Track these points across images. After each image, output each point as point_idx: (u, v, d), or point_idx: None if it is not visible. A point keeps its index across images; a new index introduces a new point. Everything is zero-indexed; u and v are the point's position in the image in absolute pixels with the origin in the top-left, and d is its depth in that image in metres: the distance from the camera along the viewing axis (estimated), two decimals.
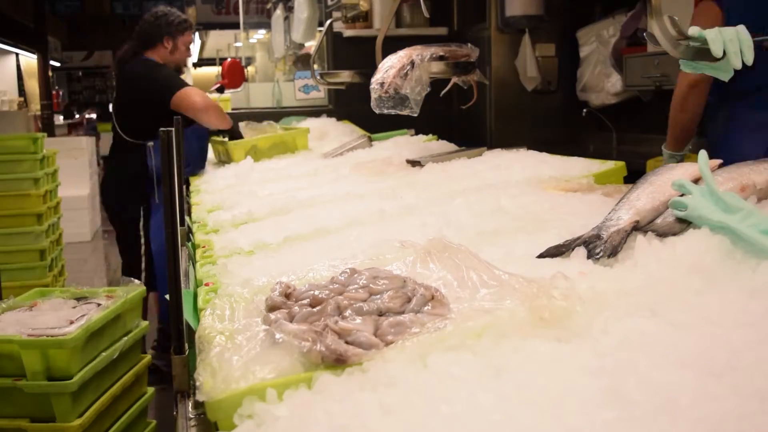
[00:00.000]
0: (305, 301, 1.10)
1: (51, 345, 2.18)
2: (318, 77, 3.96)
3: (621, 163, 2.33)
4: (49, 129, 12.40)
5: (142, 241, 3.90)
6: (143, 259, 3.90)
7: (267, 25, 8.41)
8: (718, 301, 1.05)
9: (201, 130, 3.70)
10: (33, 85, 14.90)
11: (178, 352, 1.13)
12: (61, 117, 15.85)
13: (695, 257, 1.21)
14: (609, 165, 2.32)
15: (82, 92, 21.31)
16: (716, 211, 1.28)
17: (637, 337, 0.94)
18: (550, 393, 0.82)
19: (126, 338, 2.49)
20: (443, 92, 3.02)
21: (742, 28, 1.62)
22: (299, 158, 3.47)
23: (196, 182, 3.08)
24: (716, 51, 1.58)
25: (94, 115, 17.53)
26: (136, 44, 3.93)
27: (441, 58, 2.76)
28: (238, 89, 5.75)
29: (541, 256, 1.36)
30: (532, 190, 1.98)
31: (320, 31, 5.25)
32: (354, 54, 4.60)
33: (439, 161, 2.71)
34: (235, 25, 11.07)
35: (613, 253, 1.29)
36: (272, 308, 1.10)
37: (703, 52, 1.63)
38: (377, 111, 2.63)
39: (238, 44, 11.31)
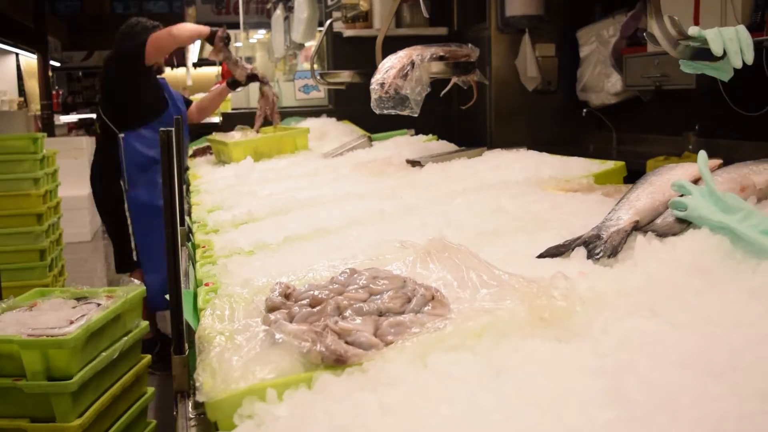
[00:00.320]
0: (305, 302, 1.10)
1: (51, 345, 2.18)
2: (318, 77, 3.95)
3: (621, 163, 2.33)
4: (49, 129, 12.41)
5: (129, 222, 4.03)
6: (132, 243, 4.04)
7: (267, 25, 8.41)
8: (718, 301, 1.05)
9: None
10: (33, 85, 14.90)
11: (178, 352, 1.13)
12: (61, 117, 15.84)
13: (695, 257, 1.20)
14: (609, 165, 2.32)
15: (82, 92, 21.29)
16: (716, 211, 1.28)
17: (637, 337, 0.94)
18: (550, 393, 0.82)
19: (126, 338, 2.49)
20: (443, 92, 3.02)
21: (741, 28, 1.61)
22: (299, 158, 3.47)
23: (195, 182, 3.08)
24: (716, 50, 1.57)
25: (94, 115, 17.52)
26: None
27: (441, 58, 2.76)
28: (238, 89, 5.74)
29: (541, 256, 1.36)
30: (532, 190, 1.98)
31: (320, 31, 5.25)
32: (354, 54, 4.59)
33: (439, 161, 2.71)
34: (235, 25, 11.07)
35: (613, 253, 1.29)
36: (272, 309, 1.10)
37: (703, 52, 1.63)
38: (377, 111, 2.63)
39: (238, 44, 11.30)
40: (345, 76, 3.74)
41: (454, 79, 2.93)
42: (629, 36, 3.82)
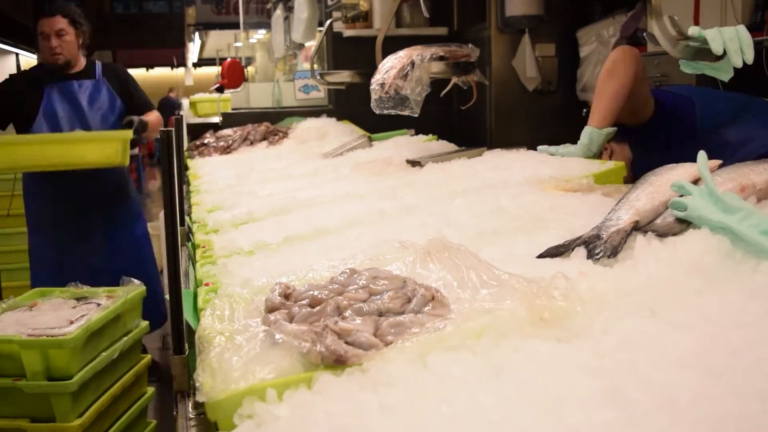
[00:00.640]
0: (305, 302, 1.10)
1: (51, 345, 2.18)
2: (318, 77, 3.95)
3: (621, 163, 2.33)
4: None
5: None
6: None
7: (267, 25, 8.41)
8: (718, 301, 1.04)
9: None
10: None
11: (178, 352, 1.13)
12: None
13: (695, 257, 1.20)
14: (609, 165, 2.31)
15: None
16: (716, 211, 1.28)
17: (637, 337, 0.94)
18: (550, 393, 0.82)
19: (126, 338, 2.49)
20: (443, 92, 3.02)
21: (741, 28, 1.62)
22: (299, 158, 3.47)
23: (195, 182, 3.08)
24: (716, 49, 1.57)
25: None
26: None
27: (441, 58, 2.76)
28: (238, 89, 5.75)
29: (541, 256, 1.36)
30: (532, 190, 1.98)
31: (320, 31, 5.25)
32: (354, 54, 4.60)
33: (439, 161, 2.71)
34: (235, 25, 11.08)
35: (613, 253, 1.29)
36: (272, 309, 1.10)
37: (703, 52, 1.63)
38: (377, 111, 2.63)
39: (238, 44, 11.31)
40: (345, 76, 3.74)
41: (454, 79, 2.93)
42: (629, 36, 3.81)
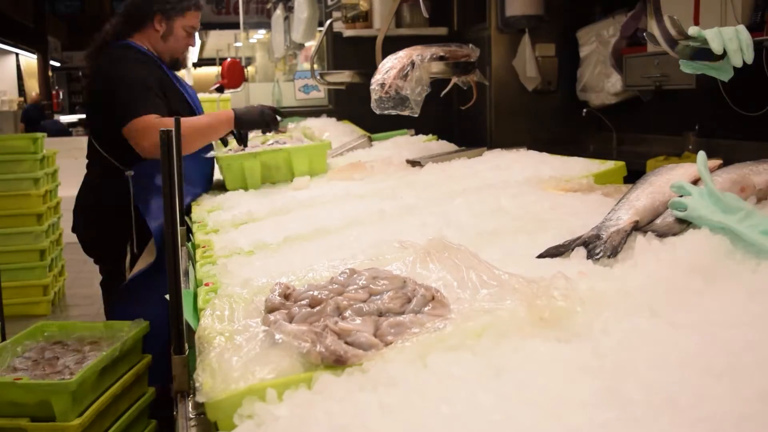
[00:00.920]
0: (305, 302, 1.10)
1: None
2: (318, 77, 3.96)
3: (621, 163, 2.33)
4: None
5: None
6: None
7: (267, 25, 8.42)
8: (718, 301, 1.05)
9: (208, 149, 2.88)
10: (33, 85, 14.91)
11: (178, 352, 1.13)
12: (61, 117, 15.85)
13: (695, 257, 1.20)
14: (609, 165, 2.32)
15: (82, 92, 21.32)
16: (716, 211, 1.28)
17: (637, 337, 0.94)
18: (550, 393, 0.82)
19: (126, 338, 2.49)
20: (444, 92, 3.02)
21: (741, 28, 1.61)
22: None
23: None
24: (716, 48, 1.57)
25: None
26: (121, 22, 2.96)
27: (441, 58, 2.76)
28: (238, 89, 5.76)
29: (541, 256, 1.36)
30: (532, 190, 1.98)
31: (320, 31, 5.25)
32: (354, 54, 4.60)
33: (439, 161, 2.71)
34: (235, 25, 11.09)
35: (613, 253, 1.29)
36: (272, 309, 1.10)
37: (703, 52, 1.63)
38: (377, 112, 2.63)
39: (238, 44, 11.32)
40: (345, 76, 3.75)
41: (454, 80, 2.93)
42: (629, 36, 3.82)
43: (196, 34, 3.18)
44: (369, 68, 2.95)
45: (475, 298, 1.08)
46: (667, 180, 1.48)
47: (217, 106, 5.24)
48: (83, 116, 16.74)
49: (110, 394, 2.39)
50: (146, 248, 2.76)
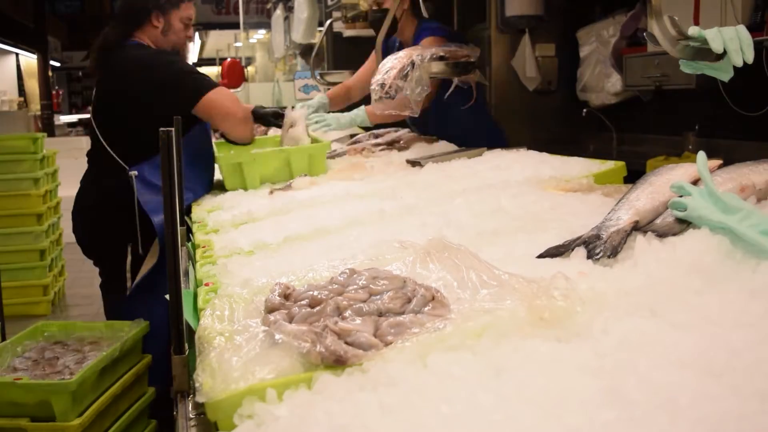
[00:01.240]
0: (304, 302, 1.10)
1: None
2: (318, 77, 3.96)
3: (621, 163, 2.33)
4: (49, 129, 12.42)
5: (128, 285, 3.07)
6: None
7: (267, 25, 8.41)
8: (718, 301, 1.05)
9: (208, 150, 2.96)
10: (33, 85, 14.91)
11: (177, 352, 1.13)
12: (61, 117, 15.86)
13: (695, 257, 1.20)
14: (609, 165, 2.32)
15: (82, 92, 21.28)
16: (716, 211, 1.28)
17: (637, 337, 0.94)
18: (550, 393, 0.82)
19: (126, 338, 2.49)
20: (447, 95, 3.02)
21: (741, 28, 1.61)
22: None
23: None
24: (716, 48, 1.57)
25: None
26: (121, 24, 2.97)
27: (441, 58, 2.76)
28: (238, 89, 5.76)
29: (541, 256, 1.36)
30: (532, 190, 1.98)
31: (320, 31, 5.25)
32: (354, 54, 4.60)
33: (439, 161, 2.71)
34: (235, 25, 11.08)
35: (613, 253, 1.29)
36: (271, 309, 1.10)
37: (703, 52, 1.63)
38: (377, 112, 2.63)
39: (238, 44, 11.32)
40: (345, 76, 3.75)
41: (455, 81, 2.93)
42: (629, 36, 3.81)
43: (196, 34, 3.25)
44: None
45: (475, 298, 1.08)
46: (667, 180, 1.48)
47: None
48: (83, 116, 16.77)
49: (110, 394, 2.39)
50: (150, 251, 2.77)
